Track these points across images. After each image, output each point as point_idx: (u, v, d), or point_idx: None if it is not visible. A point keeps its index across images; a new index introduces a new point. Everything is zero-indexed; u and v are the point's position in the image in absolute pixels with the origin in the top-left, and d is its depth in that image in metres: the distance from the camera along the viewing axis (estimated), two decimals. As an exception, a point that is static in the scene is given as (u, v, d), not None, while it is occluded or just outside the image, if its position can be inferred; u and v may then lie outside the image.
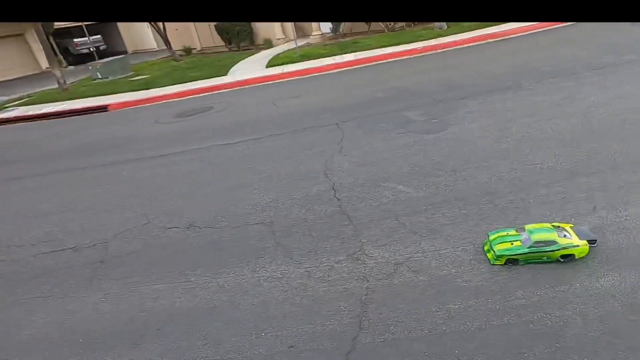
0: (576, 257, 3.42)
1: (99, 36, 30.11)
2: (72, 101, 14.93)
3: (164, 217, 5.30)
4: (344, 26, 18.96)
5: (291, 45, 18.43)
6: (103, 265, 4.46)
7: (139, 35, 32.89)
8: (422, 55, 13.50)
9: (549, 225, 3.61)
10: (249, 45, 21.68)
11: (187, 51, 22.89)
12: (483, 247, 3.76)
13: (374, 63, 13.56)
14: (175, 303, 3.71)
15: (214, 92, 13.34)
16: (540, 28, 14.52)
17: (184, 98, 13.27)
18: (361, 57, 14.18)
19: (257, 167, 6.39)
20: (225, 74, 15.47)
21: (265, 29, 21.17)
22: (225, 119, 9.62)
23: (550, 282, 3.29)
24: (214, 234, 4.74)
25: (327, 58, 14.95)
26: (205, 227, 4.89)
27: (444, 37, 14.99)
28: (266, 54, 18.35)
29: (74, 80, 19.57)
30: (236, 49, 21.72)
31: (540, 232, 3.49)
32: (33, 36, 27.55)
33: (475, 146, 5.85)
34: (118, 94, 14.87)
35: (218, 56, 20.49)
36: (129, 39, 34.16)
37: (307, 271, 3.85)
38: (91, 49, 23.16)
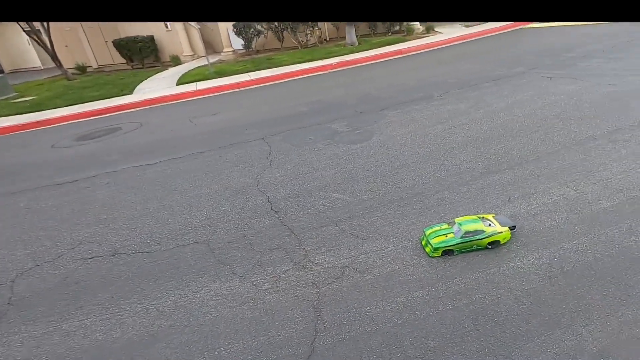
0: (501, 243, 3.95)
1: (-35, 53, 26.89)
2: (-62, 128, 13.11)
3: (81, 247, 4.94)
4: (257, 42, 19.30)
5: (201, 62, 18.28)
6: (12, 307, 4.03)
7: (18, 52, 30.00)
8: (337, 71, 14.29)
9: (475, 217, 4.12)
10: (154, 62, 20.99)
11: (82, 69, 21.41)
12: (421, 243, 4.15)
13: (291, 79, 14.03)
14: (110, 336, 3.50)
15: (120, 112, 12.69)
16: (441, 45, 16.26)
17: (84, 119, 12.41)
18: (277, 73, 14.57)
19: (182, 186, 6.25)
20: (130, 93, 14.80)
21: (171, 44, 20.69)
22: (138, 139, 9.22)
23: (482, 267, 3.75)
24: (145, 259, 4.55)
25: (242, 74, 15.09)
26: (133, 253, 4.67)
27: (356, 53, 16.04)
28: (175, 71, 17.93)
29: (-63, 104, 17.18)
30: (140, 66, 20.87)
31: (468, 223, 3.97)
32: None
33: (400, 153, 6.38)
34: None
35: (120, 74, 19.50)
36: (4, 56, 30.94)
37: (254, 284, 3.90)
38: (-42, 68, 20.58)
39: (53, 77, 21.36)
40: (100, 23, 21.76)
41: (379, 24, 19.63)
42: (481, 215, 4.16)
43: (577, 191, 4.71)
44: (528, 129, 6.57)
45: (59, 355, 3.38)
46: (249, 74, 15.05)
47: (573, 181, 4.92)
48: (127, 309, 3.80)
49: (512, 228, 4.01)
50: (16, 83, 20.12)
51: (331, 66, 14.76)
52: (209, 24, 20.19)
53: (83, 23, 22.34)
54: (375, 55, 15.53)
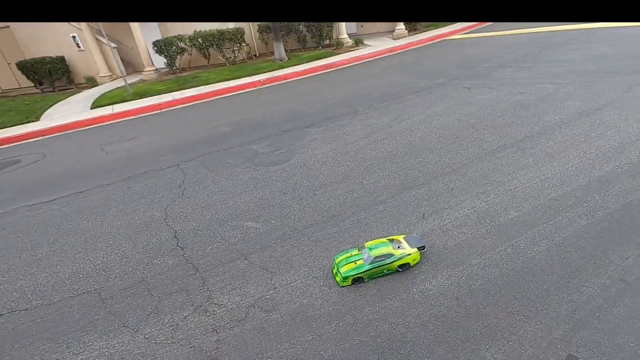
0: (411, 265, 3.92)
1: None
2: None
3: (-51, 308, 4.35)
4: (181, 60, 18.79)
5: (120, 82, 17.47)
6: None
7: None
8: (265, 87, 14.17)
9: (385, 239, 4.06)
10: (67, 84, 19.80)
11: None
12: (332, 271, 4.03)
13: (217, 97, 13.71)
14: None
15: (21, 142, 11.74)
16: (369, 58, 16.67)
17: (-22, 153, 11.35)
18: (203, 91, 14.19)
19: (80, 226, 5.76)
20: (37, 120, 13.77)
21: (86, 65, 19.65)
22: (38, 174, 8.49)
23: (392, 292, 3.68)
24: (21, 318, 4.06)
25: (165, 94, 14.56)
26: (7, 313, 4.16)
27: (285, 69, 16.03)
28: (90, 94, 16.98)
29: None
30: (50, 89, 19.59)
31: (378, 247, 3.91)
32: None
33: (319, 172, 6.30)
34: None
35: (26, 99, 18.17)
36: None
37: (147, 337, 3.57)
38: None
39: (-53, 105, 19.53)
40: (1, 44, 20.27)
41: (308, 38, 19.85)
42: (392, 237, 4.12)
43: (487, 203, 4.82)
44: (445, 141, 6.75)
45: None
46: (173, 93, 14.55)
47: (484, 192, 5.05)
48: (-8, 384, 3.35)
49: (421, 248, 4.00)
50: None
51: (260, 82, 14.62)
52: (125, 42, 19.43)
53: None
54: (305, 70, 15.61)
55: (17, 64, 19.55)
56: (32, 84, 20.16)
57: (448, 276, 3.75)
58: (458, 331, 3.17)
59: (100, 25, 15.11)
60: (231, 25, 18.24)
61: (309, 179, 6.16)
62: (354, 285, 3.82)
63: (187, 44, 18.12)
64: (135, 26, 17.75)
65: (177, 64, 18.70)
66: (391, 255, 3.84)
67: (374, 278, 3.87)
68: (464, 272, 3.78)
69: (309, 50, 19.85)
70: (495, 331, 3.12)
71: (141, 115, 12.90)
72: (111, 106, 14.07)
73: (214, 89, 14.40)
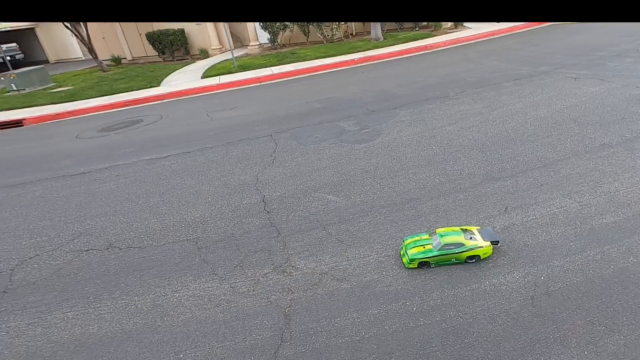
0: (481, 258, 3.73)
1: (14, 44, 28.31)
2: (-20, 116, 13.84)
3: (81, 239, 5.06)
4: (282, 37, 19.23)
5: (228, 55, 18.38)
6: (6, 296, 4.17)
7: (62, 43, 31.27)
8: (360, 66, 14.03)
9: (458, 228, 3.90)
10: (184, 55, 21.33)
11: (117, 61, 22.06)
12: (400, 252, 3.98)
13: (312, 74, 13.89)
14: (88, 330, 3.56)
15: (144, 104, 12.97)
16: (468, 41, 15.65)
17: (111, 111, 12.78)
18: (299, 67, 14.46)
19: (185, 182, 6.30)
20: (157, 85, 15.10)
21: (201, 38, 20.94)
22: (155, 133, 9.38)
23: (463, 282, 3.55)
24: (135, 254, 4.60)
25: (265, 69, 15.09)
26: (125, 248, 4.74)
27: (380, 49, 15.69)
28: (202, 65, 18.15)
29: (-17, 93, 18.16)
30: (170, 59, 21.27)
31: (449, 235, 3.77)
32: None
33: (402, 155, 6.17)
34: (35, 107, 14.00)
35: (151, 66, 19.95)
36: (50, 47, 32.36)
37: (232, 287, 3.86)
38: (4, 58, 21.62)
39: (90, 68, 22.13)
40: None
41: (407, 18, 19.15)
42: (465, 228, 3.93)
43: (580, 203, 4.38)
44: (541, 133, 6.20)
45: (37, 347, 3.46)
46: (272, 68, 15.03)
47: (578, 192, 4.59)
48: (108, 304, 3.86)
49: (494, 243, 3.77)
50: (56, 73, 20.97)
51: (353, 62, 14.51)
52: (237, 17, 20.28)
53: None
54: (400, 51, 15.15)
55: (146, 35, 21.40)
56: (156, 53, 21.99)
57: (525, 274, 3.52)
58: (528, 331, 2.99)
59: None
60: (332, 4, 18.15)
61: (392, 160, 6.07)
62: (422, 268, 3.75)
63: (291, 21, 18.47)
64: (245, 3, 18.40)
65: (278, 40, 19.19)
66: (462, 244, 3.68)
67: (441, 265, 3.76)
68: (543, 272, 3.52)
69: (406, 30, 19.16)
70: (570, 338, 2.89)
71: (243, 87, 13.53)
72: (218, 77, 14.93)
73: (309, 65, 14.59)
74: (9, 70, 18.56)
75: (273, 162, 6.59)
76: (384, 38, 17.39)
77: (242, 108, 10.59)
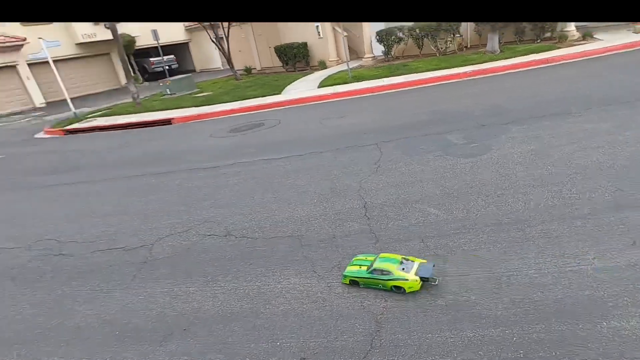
0: (406, 291, 3.56)
1: (172, 56, 32.32)
2: (142, 114, 16.13)
3: (205, 224, 5.55)
4: (396, 49, 18.97)
5: (344, 66, 18.71)
6: (146, 266, 4.75)
7: (207, 55, 34.93)
8: (472, 79, 13.17)
9: (399, 257, 3.73)
10: (305, 66, 22.31)
11: (248, 71, 23.97)
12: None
13: (422, 86, 13.44)
14: (203, 306, 3.87)
15: (267, 110, 13.84)
16: (598, 54, 13.69)
17: (239, 114, 13.89)
18: (410, 79, 14.11)
19: (295, 182, 6.53)
20: (279, 93, 16.00)
21: (320, 50, 21.70)
22: (274, 135, 9.94)
23: (582, 317, 3.06)
24: (248, 243, 4.90)
25: (376, 80, 15.03)
26: (240, 237, 5.07)
27: (496, 62, 14.53)
28: (320, 75, 18.78)
29: (147, 95, 21.15)
30: (292, 69, 22.43)
31: (385, 261, 3.70)
32: (117, 56, 30.22)
33: (512, 172, 5.60)
34: (182, 109, 15.86)
35: (275, 76, 21.26)
36: (197, 59, 36.37)
37: (329, 286, 3.87)
38: (164, 68, 24.91)
39: (227, 77, 24.39)
40: (267, 32, 23.97)
41: (527, 30, 17.42)
42: (408, 258, 3.75)
43: None
44: (686, 160, 5.12)
45: (164, 313, 3.87)
46: (383, 79, 14.90)
47: None
48: (222, 285, 4.15)
49: (424, 279, 3.54)
50: (200, 81, 23.52)
51: (466, 74, 13.67)
52: (353, 31, 20.56)
53: (255, 31, 24.89)
54: (517, 64, 13.84)
55: (274, 48, 22.87)
56: (281, 64, 23.35)
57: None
58: None
59: (336, 17, 16.33)
60: (448, 17, 17.32)
61: (500, 177, 5.54)
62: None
63: (406, 33, 18.11)
64: (363, 18, 18.58)
65: (392, 53, 18.96)
66: (390, 273, 3.59)
67: (369, 287, 3.70)
68: (678, 322, 2.87)
69: (526, 43, 17.47)
70: None
71: (355, 96, 13.64)
72: (333, 87, 15.28)
73: (420, 77, 14.13)
74: (166, 77, 21.34)
75: (377, 170, 6.49)
76: (501, 50, 16.07)
77: (352, 117, 10.68)
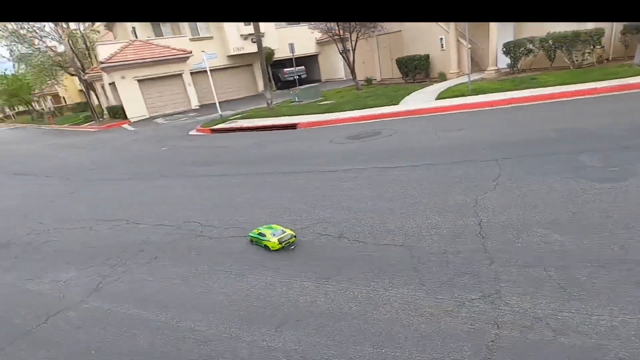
0: (271, 249, 5.08)
1: (302, 67, 34.34)
2: (273, 118, 17.47)
3: (321, 224, 5.73)
4: (523, 61, 17.14)
5: (464, 79, 17.62)
6: (269, 255, 5.08)
7: (333, 67, 36.27)
8: (611, 95, 11.21)
9: (278, 227, 5.30)
10: (424, 77, 21.61)
11: (368, 81, 24.18)
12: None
13: (551, 101, 11.91)
14: (315, 301, 4.00)
15: (384, 119, 13.76)
16: None
17: (358, 122, 14.09)
18: (536, 93, 12.62)
19: (408, 192, 6.35)
20: (397, 103, 15.78)
21: (441, 62, 20.79)
22: (389, 145, 9.83)
23: None
24: (359, 247, 4.92)
25: (498, 93, 13.80)
26: (353, 240, 5.12)
27: (646, 75, 12.12)
28: (438, 87, 18.00)
29: (278, 102, 22.85)
30: (412, 80, 21.92)
31: (267, 229, 5.26)
32: (258, 66, 33.24)
33: (665, 205, 4.59)
34: (307, 115, 16.72)
35: (395, 87, 21.05)
36: (324, 69, 37.99)
37: (437, 301, 3.67)
38: (295, 77, 26.62)
39: (349, 86, 24.97)
40: (391, 44, 23.88)
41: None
42: (282, 228, 5.27)
43: None
44: None
45: (280, 303, 4.10)
46: (506, 93, 13.60)
47: None
48: (333, 285, 4.23)
49: (280, 242, 5.04)
50: (324, 90, 24.52)
51: (604, 89, 11.67)
52: (478, 43, 19.18)
53: (379, 44, 25.02)
54: (676, 78, 11.35)
55: (396, 60, 22.69)
56: (401, 76, 23.03)
57: None
58: None
59: (466, 27, 15.48)
60: (589, 25, 15.03)
61: (648, 209, 4.59)
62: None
63: (536, 45, 16.25)
64: (493, 28, 17.27)
65: (519, 65, 17.21)
66: (264, 236, 5.15)
67: (255, 244, 5.31)
68: None
69: (690, 54, 14.18)
70: None
71: (473, 109, 12.73)
72: (451, 99, 14.49)
73: (549, 92, 12.52)
74: (296, 86, 22.76)
75: (495, 187, 5.94)
76: (654, 63, 13.34)
77: (470, 130, 9.98)
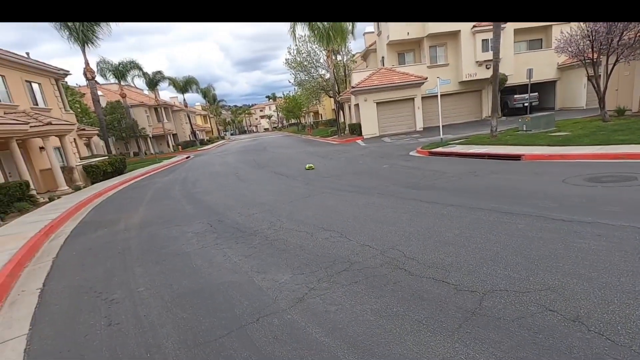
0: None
1: (536, 93, 29.23)
2: (494, 146, 15.24)
3: (546, 293, 4.09)
4: None
5: None
6: (473, 318, 4.03)
7: (572, 93, 29.24)
8: None
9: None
10: None
11: (620, 112, 18.01)
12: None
13: None
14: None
15: (638, 160, 9.77)
16: None
17: (601, 161, 10.52)
18: None
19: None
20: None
21: None
22: (654, 198, 6.73)
23: None
24: (608, 347, 3.36)
25: None
26: (594, 332, 3.55)
27: None
28: None
29: (502, 129, 19.95)
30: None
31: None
32: (487, 92, 30.32)
33: None
34: (534, 147, 13.78)
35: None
36: (561, 96, 31.13)
37: None
38: (525, 104, 22.71)
39: (590, 117, 19.35)
40: None
41: None
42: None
43: None
44: None
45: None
46: None
47: None
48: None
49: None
50: (558, 119, 19.85)
51: None
52: None
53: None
54: None
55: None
56: None
57: None
58: None
59: None
60: None
61: None
62: None
63: None
64: None
65: None
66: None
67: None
68: None
69: None
70: None
71: None
72: None
73: None
74: (526, 114, 19.26)
75: None
76: None
77: None
